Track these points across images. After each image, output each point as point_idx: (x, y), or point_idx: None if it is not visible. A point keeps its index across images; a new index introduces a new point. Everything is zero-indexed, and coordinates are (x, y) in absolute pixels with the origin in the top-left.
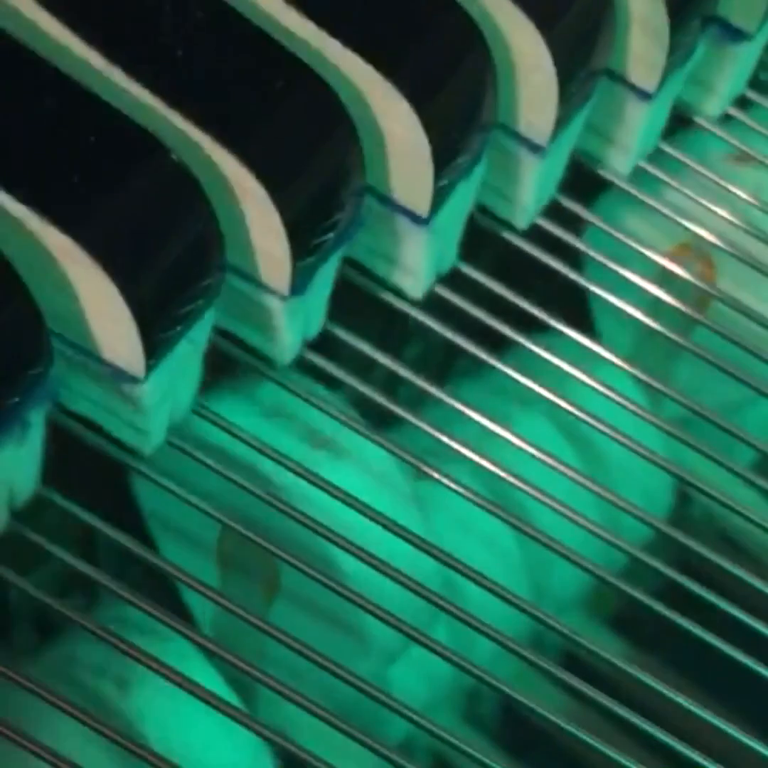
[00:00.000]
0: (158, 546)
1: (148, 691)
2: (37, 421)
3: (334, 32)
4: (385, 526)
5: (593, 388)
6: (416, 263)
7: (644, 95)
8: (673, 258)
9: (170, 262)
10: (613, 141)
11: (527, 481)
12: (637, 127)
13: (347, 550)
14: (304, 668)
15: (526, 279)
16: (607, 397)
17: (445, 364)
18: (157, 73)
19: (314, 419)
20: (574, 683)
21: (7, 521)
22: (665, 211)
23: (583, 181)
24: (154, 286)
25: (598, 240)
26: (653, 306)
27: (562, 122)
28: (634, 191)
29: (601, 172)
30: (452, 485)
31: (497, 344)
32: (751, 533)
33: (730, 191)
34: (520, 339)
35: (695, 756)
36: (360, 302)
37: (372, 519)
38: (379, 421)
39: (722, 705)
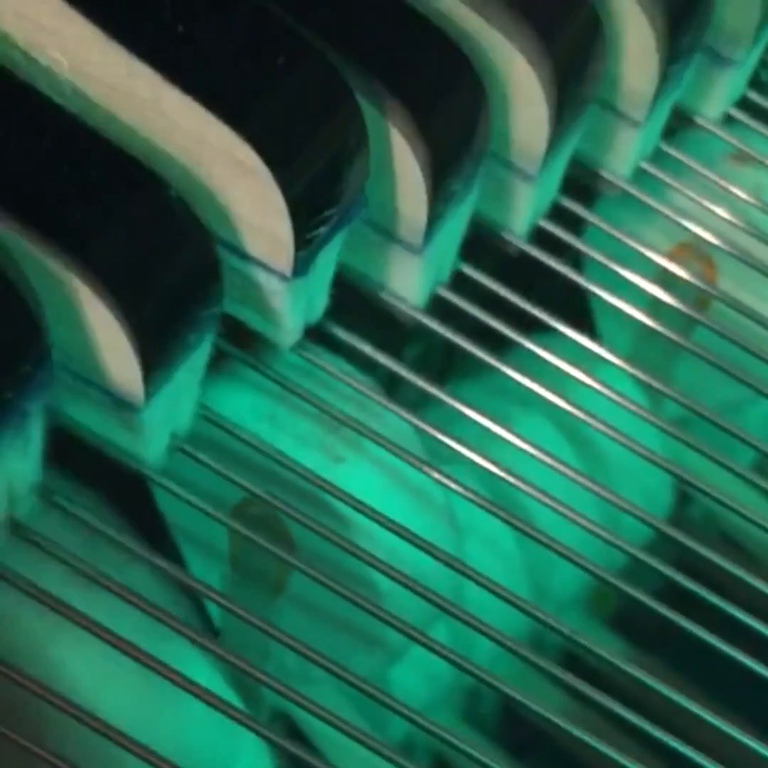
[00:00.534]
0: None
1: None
2: (35, 411)
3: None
4: (390, 529)
5: (593, 389)
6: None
7: (633, 123)
8: (673, 258)
9: (170, 293)
10: (603, 167)
11: (527, 481)
12: (626, 154)
13: (347, 550)
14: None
15: (527, 279)
16: (607, 397)
17: (446, 365)
18: (159, 50)
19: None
20: (574, 683)
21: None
22: (665, 211)
23: (583, 181)
24: (154, 317)
25: (599, 240)
26: (653, 306)
27: (552, 150)
28: (634, 191)
29: (602, 172)
30: (452, 485)
31: (498, 345)
32: (751, 533)
33: (730, 191)
34: (521, 339)
35: (695, 756)
36: (360, 302)
37: (380, 523)
38: None
39: (722, 705)
